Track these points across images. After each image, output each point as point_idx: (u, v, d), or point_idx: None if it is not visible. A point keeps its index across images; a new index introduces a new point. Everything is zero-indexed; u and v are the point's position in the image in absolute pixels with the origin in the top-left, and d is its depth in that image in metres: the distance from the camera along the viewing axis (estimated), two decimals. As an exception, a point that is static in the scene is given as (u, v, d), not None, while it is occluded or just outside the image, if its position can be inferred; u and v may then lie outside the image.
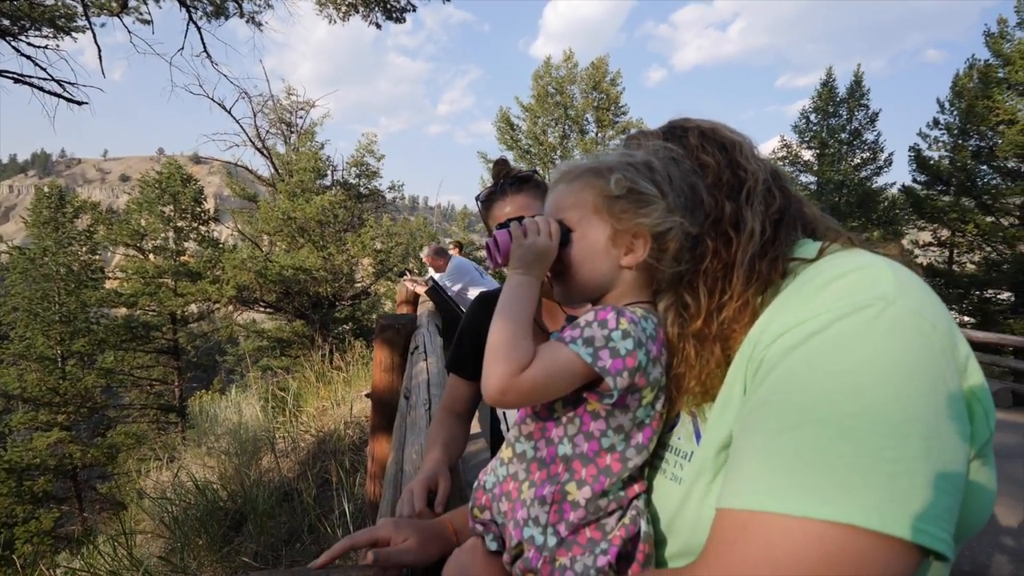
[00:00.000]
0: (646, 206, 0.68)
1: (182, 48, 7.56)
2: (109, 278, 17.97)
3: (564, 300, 0.76)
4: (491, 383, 0.64)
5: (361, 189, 15.73)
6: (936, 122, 14.59)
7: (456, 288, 4.96)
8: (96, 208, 17.39)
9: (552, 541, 0.64)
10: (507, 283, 0.73)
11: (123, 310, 16.85)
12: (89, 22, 6.40)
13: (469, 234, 21.90)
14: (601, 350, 0.62)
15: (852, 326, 0.49)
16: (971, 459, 0.51)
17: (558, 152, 18.30)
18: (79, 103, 6.24)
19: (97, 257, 17.40)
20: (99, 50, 6.57)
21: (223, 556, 3.76)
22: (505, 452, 0.75)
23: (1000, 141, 12.85)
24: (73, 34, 6.43)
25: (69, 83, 6.21)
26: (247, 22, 7.74)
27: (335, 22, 7.56)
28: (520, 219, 0.75)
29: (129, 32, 7.00)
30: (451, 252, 8.13)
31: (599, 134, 18.45)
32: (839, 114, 16.85)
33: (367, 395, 4.76)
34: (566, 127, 18.69)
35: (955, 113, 14.18)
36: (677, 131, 0.74)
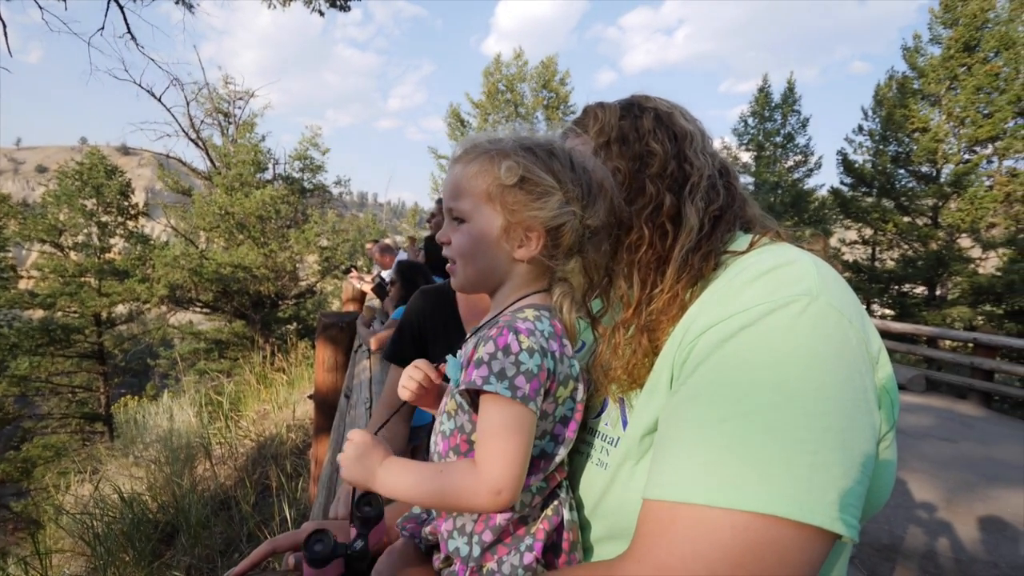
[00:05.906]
0: (540, 198, 0.64)
1: (102, 28, 6.94)
2: (23, 277, 16.54)
3: (462, 289, 0.73)
4: (485, 506, 0.58)
5: (305, 184, 15.19)
6: (861, 128, 15.64)
7: (403, 284, 4.87)
8: (6, 201, 15.92)
9: (477, 551, 0.63)
10: (381, 485, 0.64)
11: (39, 312, 15.51)
12: (-8, -6, 5.80)
13: (419, 231, 21.60)
14: (516, 378, 0.58)
15: (779, 321, 0.50)
16: (878, 444, 0.53)
17: (509, 149, 18.33)
18: (-20, 83, 5.65)
19: (8, 254, 15.92)
20: (3, 25, 5.96)
21: (152, 572, 3.54)
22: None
23: (915, 147, 13.97)
24: (-27, 7, 5.81)
25: (-32, 61, 5.60)
26: (177, 3, 7.23)
27: (274, 7, 7.21)
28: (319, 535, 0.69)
29: (40, 8, 6.39)
30: (404, 248, 7.98)
31: (549, 132, 18.62)
32: (774, 119, 17.77)
33: (311, 397, 4.60)
34: (516, 125, 18.74)
35: (877, 120, 15.26)
36: (635, 109, 0.73)
